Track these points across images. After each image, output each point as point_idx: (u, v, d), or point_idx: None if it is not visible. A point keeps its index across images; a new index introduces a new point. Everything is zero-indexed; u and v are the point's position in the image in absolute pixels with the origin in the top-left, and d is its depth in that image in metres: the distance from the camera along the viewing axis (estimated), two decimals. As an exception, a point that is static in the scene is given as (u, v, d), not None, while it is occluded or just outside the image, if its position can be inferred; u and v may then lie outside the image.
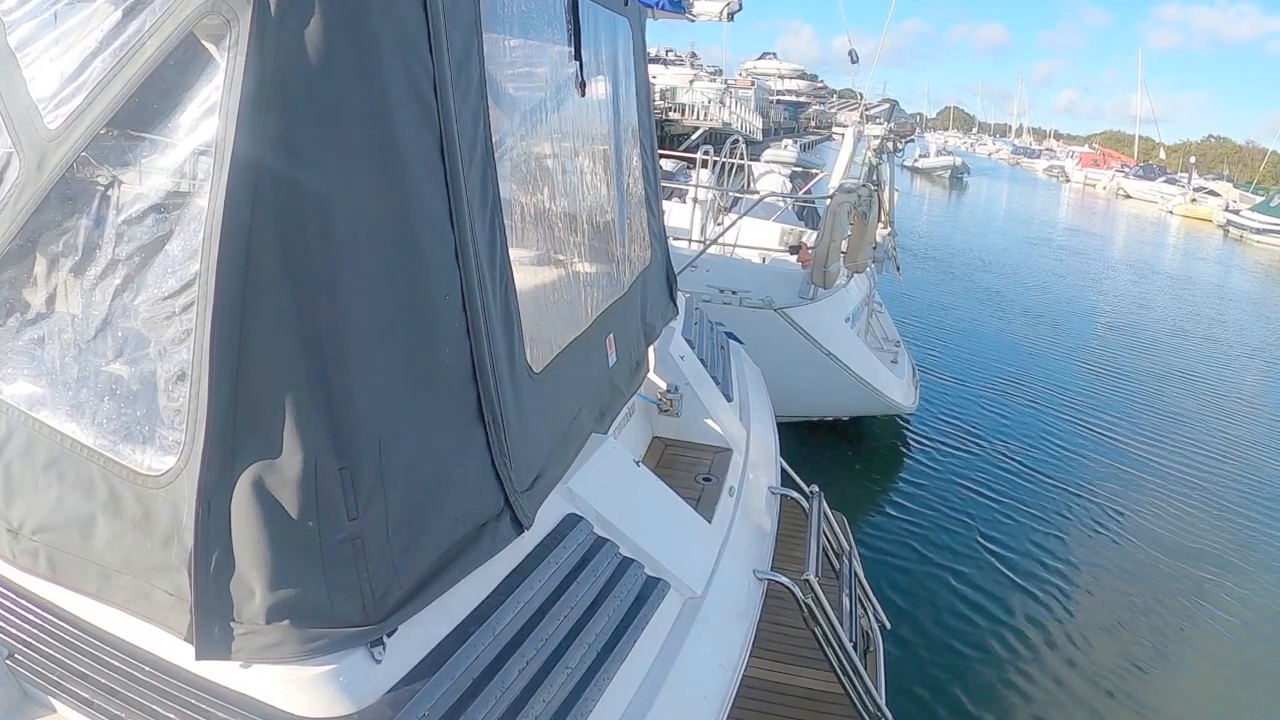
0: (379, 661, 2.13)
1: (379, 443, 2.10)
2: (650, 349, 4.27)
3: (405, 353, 2.20)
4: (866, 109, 12.23)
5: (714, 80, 55.11)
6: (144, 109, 2.07)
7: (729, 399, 4.79)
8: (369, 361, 2.10)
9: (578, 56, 3.40)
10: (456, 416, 2.37)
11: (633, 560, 2.98)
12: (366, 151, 2.08)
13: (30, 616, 2.45)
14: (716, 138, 17.69)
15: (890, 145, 10.33)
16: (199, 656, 2.06)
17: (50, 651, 2.41)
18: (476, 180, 2.41)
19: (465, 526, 2.38)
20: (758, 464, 4.50)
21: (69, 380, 2.26)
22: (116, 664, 2.29)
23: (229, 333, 1.94)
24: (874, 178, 9.80)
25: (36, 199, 2.23)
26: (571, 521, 2.92)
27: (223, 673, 2.13)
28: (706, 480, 4.04)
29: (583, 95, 3.48)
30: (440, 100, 2.24)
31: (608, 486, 3.19)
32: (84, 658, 2.34)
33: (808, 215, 13.20)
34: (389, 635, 2.15)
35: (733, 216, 10.55)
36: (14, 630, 2.47)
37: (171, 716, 2.19)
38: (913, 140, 13.94)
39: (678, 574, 3.13)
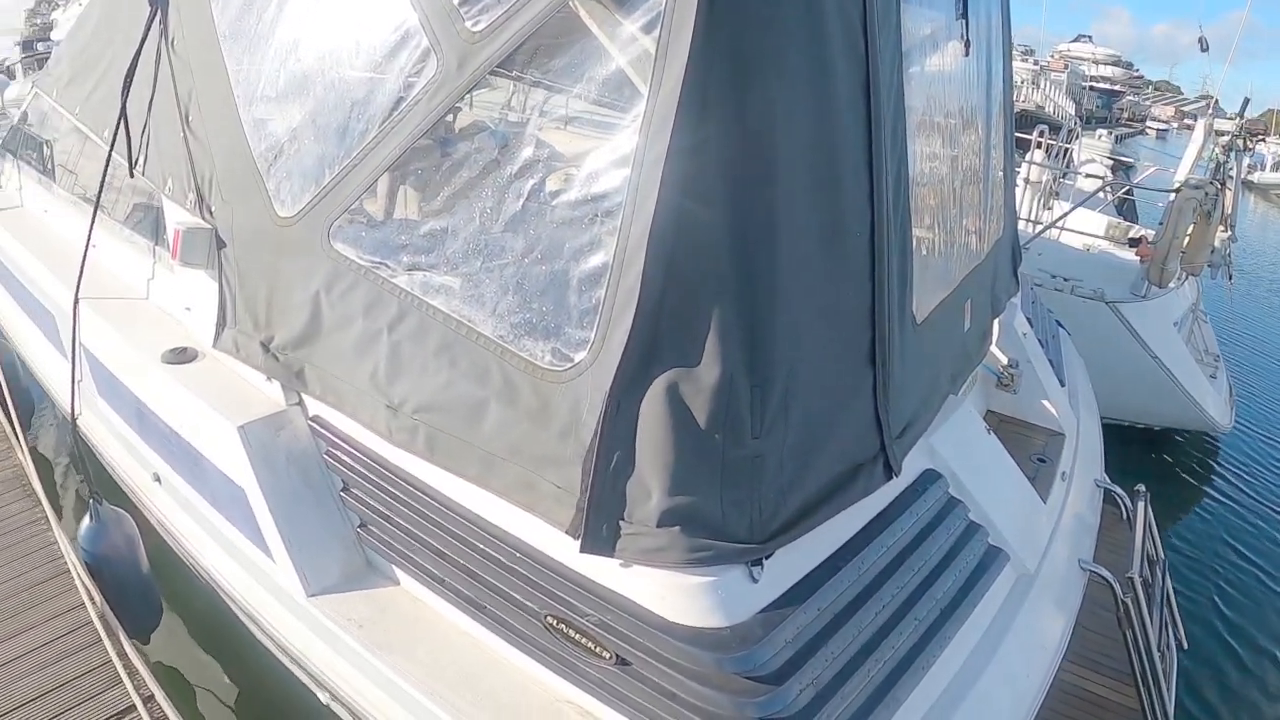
0: (756, 581, 2.18)
1: (788, 369, 2.13)
2: (995, 321, 4.15)
3: (815, 285, 2.22)
4: (1206, 105, 11.25)
5: (1025, 60, 52.13)
6: (574, 16, 2.12)
7: (1061, 384, 4.60)
8: (789, 286, 2.12)
9: (964, 15, 3.32)
10: (851, 354, 2.38)
11: (979, 525, 2.94)
12: (807, 77, 2.10)
13: (389, 488, 2.61)
14: (1028, 120, 16.76)
15: (1241, 143, 9.48)
16: (583, 550, 2.14)
17: (404, 524, 2.57)
18: (888, 123, 2.39)
19: (844, 464, 2.40)
20: (1085, 455, 4.32)
21: (471, 272, 2.36)
22: (479, 545, 2.41)
23: (665, 240, 1.98)
24: (1219, 176, 9.02)
25: (455, 97, 2.33)
26: (930, 477, 2.91)
27: (596, 569, 2.21)
28: (1041, 461, 3.90)
29: (967, 54, 3.39)
30: (868, 39, 2.24)
31: (963, 448, 3.15)
32: (444, 535, 2.48)
33: (1126, 209, 12.34)
34: (767, 557, 2.19)
35: (1059, 201, 10.05)
36: (370, 501, 2.66)
37: (530, 604, 2.30)
38: (1263, 139, 12.72)
39: (1017, 547, 3.06)
